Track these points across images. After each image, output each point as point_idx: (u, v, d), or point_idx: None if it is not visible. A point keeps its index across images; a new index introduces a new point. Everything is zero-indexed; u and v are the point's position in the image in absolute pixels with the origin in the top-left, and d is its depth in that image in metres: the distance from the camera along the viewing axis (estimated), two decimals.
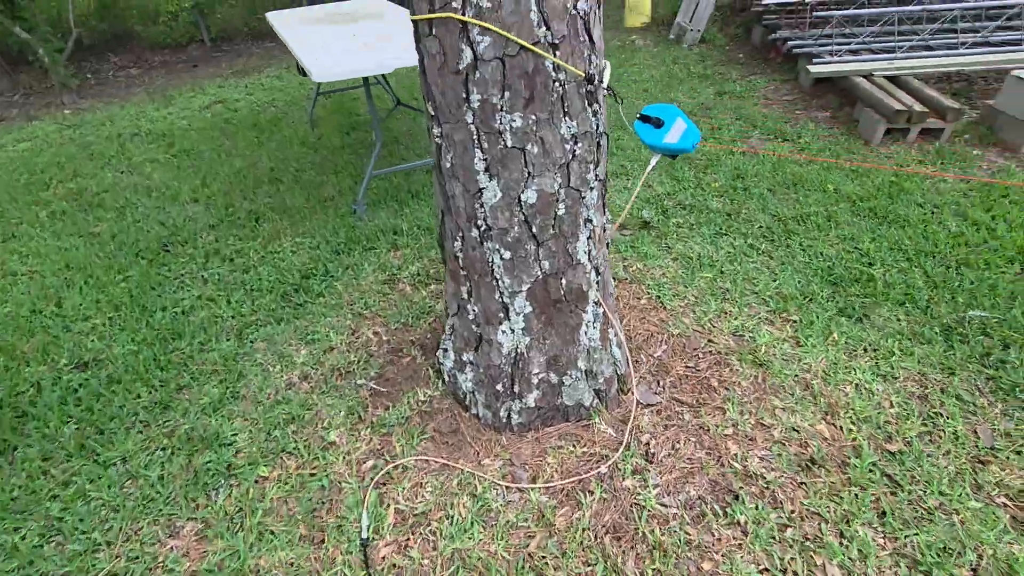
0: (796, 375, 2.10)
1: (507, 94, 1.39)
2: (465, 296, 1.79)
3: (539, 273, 1.66)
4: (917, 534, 1.58)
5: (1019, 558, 1.50)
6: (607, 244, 1.83)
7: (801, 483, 1.73)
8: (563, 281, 1.69)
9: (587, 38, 1.40)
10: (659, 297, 2.52)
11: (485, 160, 1.49)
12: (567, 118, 1.46)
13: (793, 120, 4.14)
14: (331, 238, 3.12)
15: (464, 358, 1.92)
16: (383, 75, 4.31)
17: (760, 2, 5.22)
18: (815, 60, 4.21)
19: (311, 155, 4.20)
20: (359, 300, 2.64)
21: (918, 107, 3.51)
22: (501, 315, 1.74)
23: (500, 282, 1.68)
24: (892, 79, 3.98)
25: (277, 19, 3.77)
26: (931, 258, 2.65)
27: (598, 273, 1.77)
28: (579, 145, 1.51)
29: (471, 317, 1.81)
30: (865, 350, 2.20)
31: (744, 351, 2.21)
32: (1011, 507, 1.65)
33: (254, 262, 2.98)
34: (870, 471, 1.75)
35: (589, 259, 1.71)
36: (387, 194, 3.55)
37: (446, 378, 2.06)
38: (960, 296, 2.40)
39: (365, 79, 3.03)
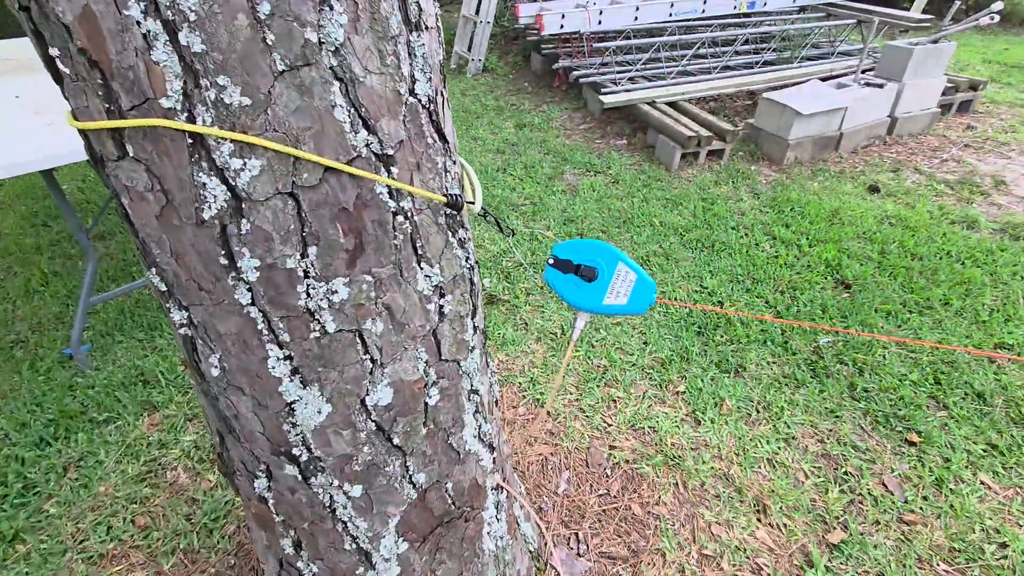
0: (712, 469, 1.82)
1: (313, 249, 0.75)
2: (290, 551, 1.07)
3: (412, 494, 1.04)
4: None
5: None
6: (494, 399, 1.28)
7: None
8: (448, 487, 1.10)
9: (436, 138, 0.83)
10: (539, 399, 2.07)
11: (289, 360, 0.83)
12: (424, 264, 0.88)
13: (597, 151, 4.11)
14: (28, 416, 1.97)
15: None
16: None
17: (535, 32, 5.20)
18: (604, 90, 4.25)
19: None
20: (96, 528, 1.64)
21: (704, 132, 3.70)
22: (361, 569, 1.06)
23: (351, 527, 1.01)
24: (671, 104, 4.19)
25: None
26: (765, 285, 2.68)
27: (492, 448, 1.21)
28: (448, 298, 0.94)
29: None
30: (758, 411, 2.04)
31: (651, 452, 1.87)
32: (953, 574, 1.56)
33: None
34: None
35: (480, 440, 1.14)
36: (125, 316, 2.46)
37: None
38: (819, 323, 2.43)
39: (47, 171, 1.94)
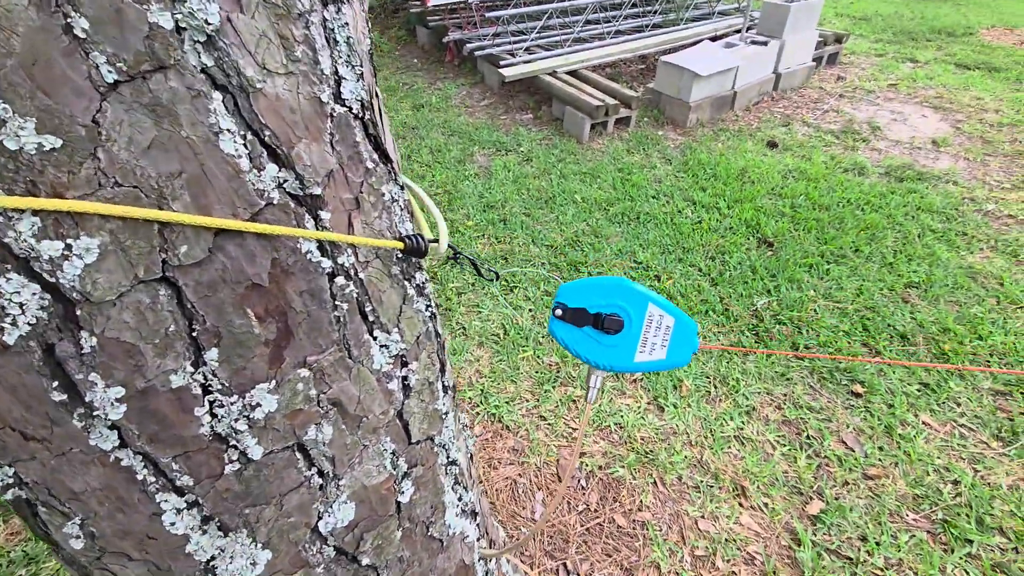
0: (686, 459, 1.75)
1: (214, 352, 0.49)
2: None
3: None
4: None
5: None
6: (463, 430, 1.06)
7: None
8: None
9: (377, 159, 0.58)
10: (495, 414, 1.87)
11: (197, 507, 0.56)
12: (379, 333, 0.64)
13: (504, 128, 3.89)
14: None
15: None
16: None
17: (418, 3, 4.80)
18: (503, 63, 4.02)
19: None
20: None
21: (611, 100, 3.61)
22: None
23: None
24: (572, 73, 4.06)
25: None
26: (695, 253, 2.66)
27: (476, 514, 1.00)
28: (413, 366, 0.71)
29: None
30: (716, 387, 2.00)
31: (623, 452, 1.76)
32: (922, 520, 1.61)
33: None
34: (820, 557, 1.50)
35: (463, 513, 0.93)
36: None
37: None
38: (739, 287, 2.44)
39: None
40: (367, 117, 0.55)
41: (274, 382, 0.54)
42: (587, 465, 1.72)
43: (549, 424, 1.84)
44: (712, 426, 1.86)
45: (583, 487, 1.66)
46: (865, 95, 4.41)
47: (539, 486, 1.66)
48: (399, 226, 0.63)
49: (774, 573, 1.47)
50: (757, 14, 4.52)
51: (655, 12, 5.05)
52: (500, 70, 3.91)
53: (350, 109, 0.52)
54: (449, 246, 0.65)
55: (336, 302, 0.57)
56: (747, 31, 4.35)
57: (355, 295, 0.58)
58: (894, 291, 2.44)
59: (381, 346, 0.64)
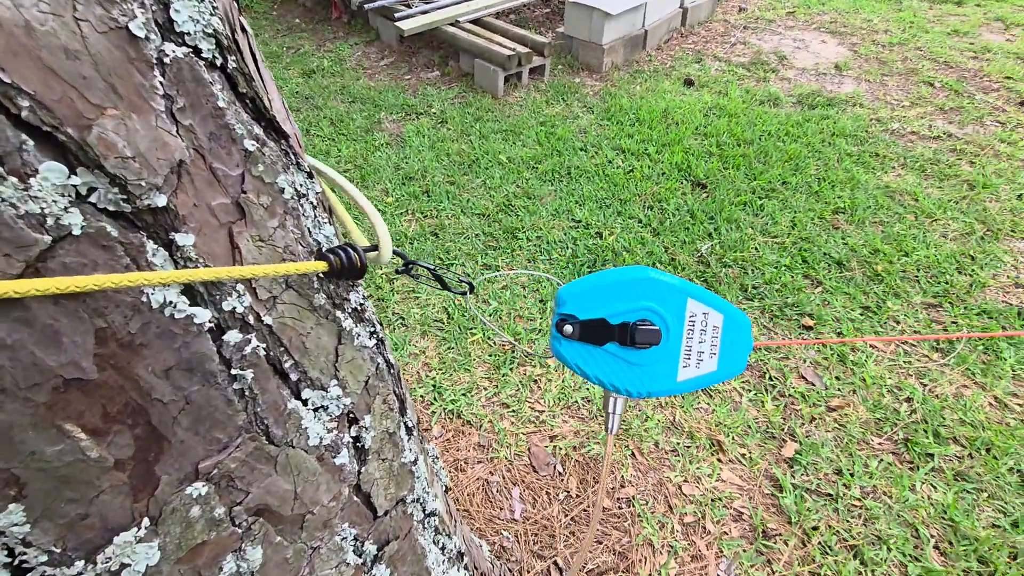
0: (658, 423, 1.67)
1: (12, 516, 0.27)
2: None
3: None
4: (866, 523, 1.39)
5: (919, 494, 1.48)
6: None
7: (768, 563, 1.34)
8: None
9: (258, 132, 0.36)
10: (452, 409, 1.70)
11: None
12: (309, 391, 0.43)
13: (411, 89, 3.56)
14: None
15: None
16: None
17: None
18: (398, 15, 3.64)
19: None
20: None
21: (522, 49, 3.37)
22: None
23: None
24: (476, 22, 3.76)
25: None
26: (633, 204, 2.56)
27: (462, 556, 0.84)
28: (366, 419, 0.51)
29: None
30: None
31: (594, 428, 1.65)
32: (886, 443, 1.64)
33: None
34: (803, 500, 1.49)
35: (448, 561, 0.76)
36: None
37: None
38: (681, 234, 2.38)
39: None
40: (231, 65, 0.33)
41: (147, 520, 0.33)
42: (560, 448, 1.60)
43: (513, 411, 1.70)
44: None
45: (560, 472, 1.55)
46: (767, 25, 4.45)
47: (513, 481, 1.52)
48: (314, 235, 0.42)
49: (763, 525, 1.44)
50: None
51: None
52: (396, 24, 3.54)
53: (195, 50, 0.30)
54: (397, 254, 0.45)
55: (233, 370, 0.36)
56: None
57: (262, 352, 0.38)
58: (824, 219, 2.47)
59: (316, 410, 0.44)
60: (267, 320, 0.38)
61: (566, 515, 1.45)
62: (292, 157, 0.42)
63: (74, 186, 0.25)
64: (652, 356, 0.46)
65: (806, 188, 2.65)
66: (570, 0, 3.67)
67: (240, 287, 0.36)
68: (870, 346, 1.93)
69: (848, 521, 1.44)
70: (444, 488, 0.85)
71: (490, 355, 1.87)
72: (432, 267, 0.49)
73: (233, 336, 0.36)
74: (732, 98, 3.39)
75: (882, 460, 1.59)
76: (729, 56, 3.98)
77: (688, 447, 1.62)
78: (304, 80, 3.68)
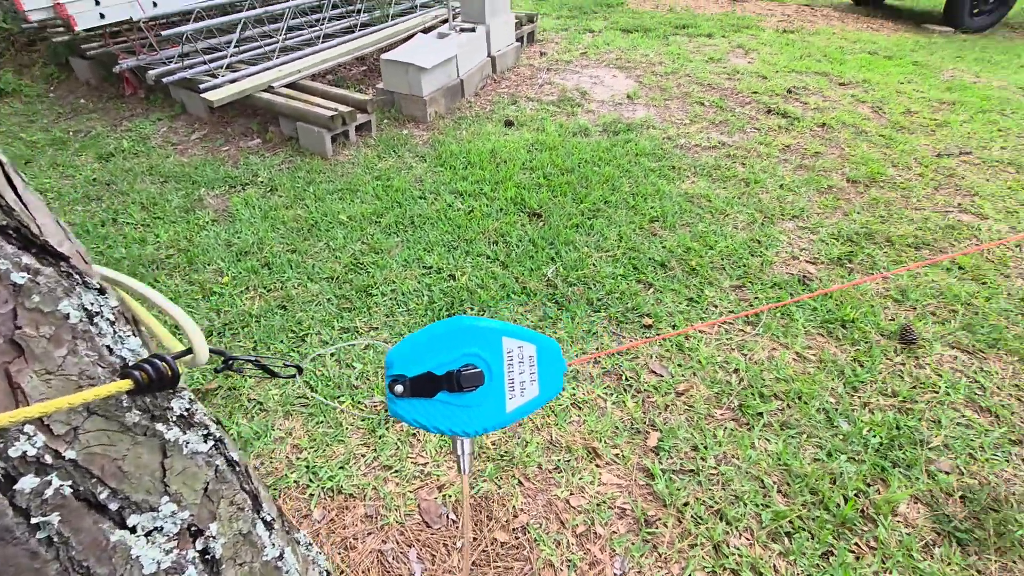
0: (537, 445, 1.75)
1: None
2: None
3: None
4: (723, 487, 1.60)
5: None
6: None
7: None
8: None
9: (27, 262, 0.35)
10: (331, 487, 1.61)
11: None
12: (139, 515, 0.41)
13: (231, 160, 3.37)
14: None
15: None
16: None
17: (62, 29, 3.81)
18: (204, 87, 3.44)
19: None
20: None
21: (344, 108, 3.39)
22: None
23: None
24: (292, 86, 3.71)
25: None
26: (479, 242, 2.69)
27: None
28: (213, 528, 0.49)
29: None
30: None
31: (479, 464, 1.68)
32: (727, 412, 1.89)
33: None
34: (672, 481, 1.65)
35: None
36: None
37: None
38: (527, 263, 2.55)
39: None
40: None
41: None
42: (450, 496, 1.60)
43: (396, 471, 1.66)
44: (549, 403, 1.90)
45: (454, 520, 1.54)
46: (566, 65, 5.00)
47: (408, 543, 1.48)
48: (117, 352, 0.41)
49: (644, 514, 1.57)
50: (458, 3, 4.72)
51: (359, 11, 4.92)
52: (203, 95, 3.35)
53: None
54: (215, 352, 0.45)
55: (33, 519, 0.33)
56: (454, 20, 4.52)
57: (67, 490, 0.36)
58: (643, 228, 2.82)
59: (148, 534, 0.42)
60: (69, 455, 0.36)
61: (469, 563, 1.44)
62: (76, 277, 0.40)
63: None
64: (480, 396, 0.51)
65: (624, 204, 3.00)
66: (384, 59, 3.80)
67: (29, 428, 0.34)
68: (699, 331, 2.22)
69: (710, 490, 1.63)
70: (324, 573, 0.81)
71: (363, 420, 1.82)
72: (254, 358, 0.49)
73: (27, 483, 0.33)
74: (549, 133, 3.74)
75: (726, 428, 1.82)
76: (540, 96, 4.39)
77: (568, 461, 1.71)
78: (102, 165, 3.30)
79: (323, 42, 4.29)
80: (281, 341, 2.09)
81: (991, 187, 3.12)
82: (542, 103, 4.26)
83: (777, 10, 7.25)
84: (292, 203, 2.93)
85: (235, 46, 3.83)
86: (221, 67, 3.73)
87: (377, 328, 2.18)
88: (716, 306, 2.34)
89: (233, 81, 3.54)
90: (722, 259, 2.60)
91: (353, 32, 4.67)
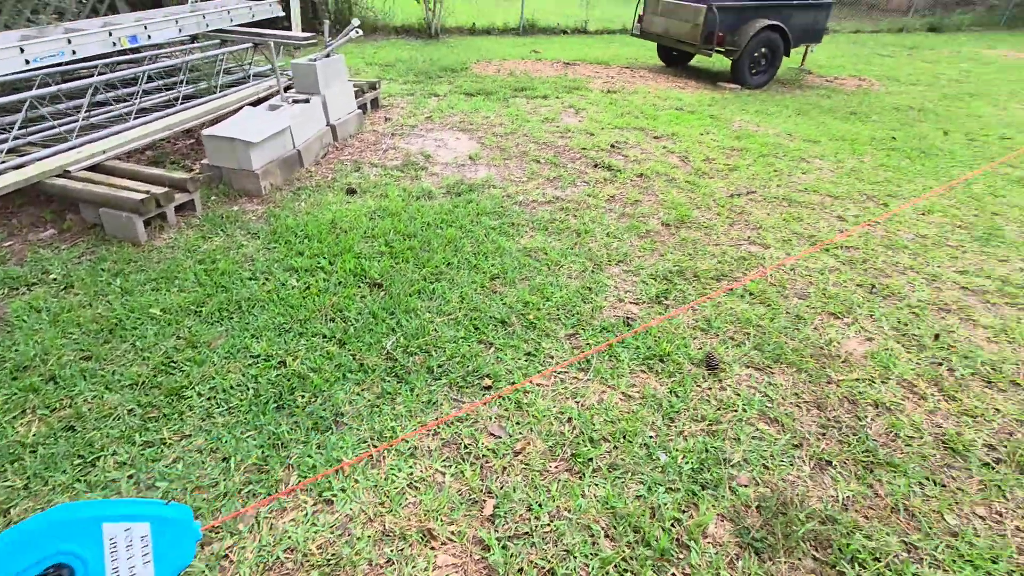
0: (370, 538, 1.65)
1: None
2: None
3: None
4: (555, 543, 1.62)
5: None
6: None
7: None
8: None
9: None
10: None
11: None
12: None
13: (14, 257, 2.93)
14: None
15: None
16: None
17: None
18: None
19: None
20: None
21: (159, 189, 3.14)
22: None
23: None
24: (96, 168, 3.37)
25: None
26: (314, 321, 2.58)
27: None
28: None
29: None
30: (376, 444, 1.97)
31: None
32: (561, 464, 1.93)
33: None
34: (506, 549, 1.64)
35: None
36: None
37: None
38: (366, 337, 2.48)
39: None
40: None
41: None
42: None
43: None
44: (385, 487, 1.82)
45: None
46: (411, 130, 5.12)
47: None
48: None
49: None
50: (288, 75, 4.67)
51: (182, 83, 4.67)
52: None
53: None
54: None
55: None
56: (286, 91, 4.45)
57: None
58: (485, 287, 2.89)
59: None
60: None
61: None
62: None
63: None
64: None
65: (467, 264, 3.07)
66: (205, 134, 3.61)
67: None
68: (536, 384, 2.29)
69: (544, 549, 1.64)
70: None
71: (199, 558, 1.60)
72: None
73: None
74: (392, 198, 3.76)
75: (559, 480, 1.87)
76: (384, 161, 4.43)
77: (402, 550, 1.63)
78: None
79: (137, 118, 3.98)
80: (64, 471, 1.79)
81: (771, 220, 3.66)
82: (386, 168, 4.29)
83: (603, 72, 8.11)
84: (92, 301, 2.60)
85: (20, 127, 3.41)
86: (2, 151, 3.29)
87: (190, 435, 1.96)
88: (552, 357, 2.44)
89: (17, 167, 3.13)
90: (558, 309, 2.73)
91: (175, 105, 4.40)
